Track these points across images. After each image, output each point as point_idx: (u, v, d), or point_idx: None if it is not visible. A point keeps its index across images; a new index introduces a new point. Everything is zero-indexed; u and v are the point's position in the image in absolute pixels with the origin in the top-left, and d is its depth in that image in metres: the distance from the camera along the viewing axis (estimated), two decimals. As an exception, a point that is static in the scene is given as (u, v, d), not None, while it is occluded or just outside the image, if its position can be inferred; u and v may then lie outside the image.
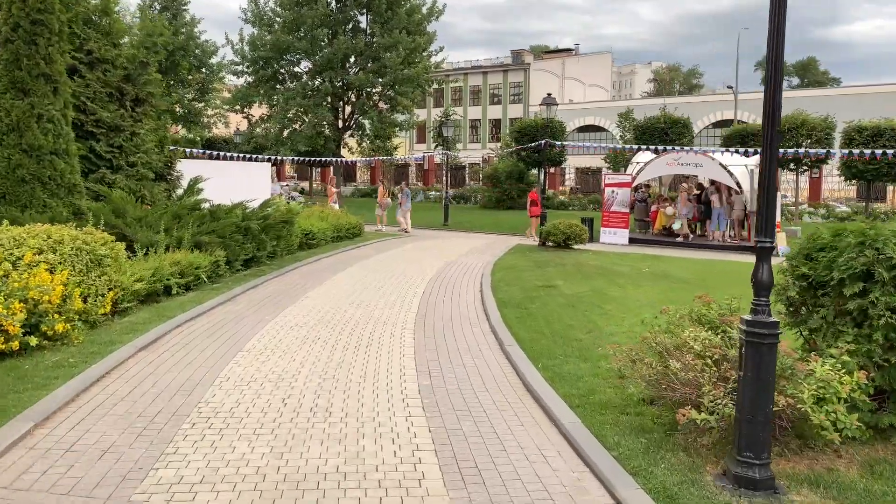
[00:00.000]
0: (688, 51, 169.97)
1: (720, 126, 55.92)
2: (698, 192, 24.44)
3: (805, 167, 30.97)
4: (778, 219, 20.93)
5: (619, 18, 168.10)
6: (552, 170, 41.03)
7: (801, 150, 24.08)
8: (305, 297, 11.24)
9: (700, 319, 5.87)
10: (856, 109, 36.67)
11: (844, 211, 34.49)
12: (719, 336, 5.26)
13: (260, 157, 30.79)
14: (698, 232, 23.45)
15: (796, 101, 42.46)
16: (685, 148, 24.72)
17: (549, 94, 19.58)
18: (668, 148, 24.73)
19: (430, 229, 27.01)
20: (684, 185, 24.98)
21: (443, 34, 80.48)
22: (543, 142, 19.41)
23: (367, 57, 36.42)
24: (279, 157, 35.88)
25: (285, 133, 37.87)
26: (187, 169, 16.27)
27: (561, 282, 12.93)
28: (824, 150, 23.52)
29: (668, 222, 23.71)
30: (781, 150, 25.36)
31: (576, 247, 19.45)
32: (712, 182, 24.19)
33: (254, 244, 13.90)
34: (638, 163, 23.61)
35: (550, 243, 19.55)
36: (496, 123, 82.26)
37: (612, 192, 22.90)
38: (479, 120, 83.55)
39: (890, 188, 36.74)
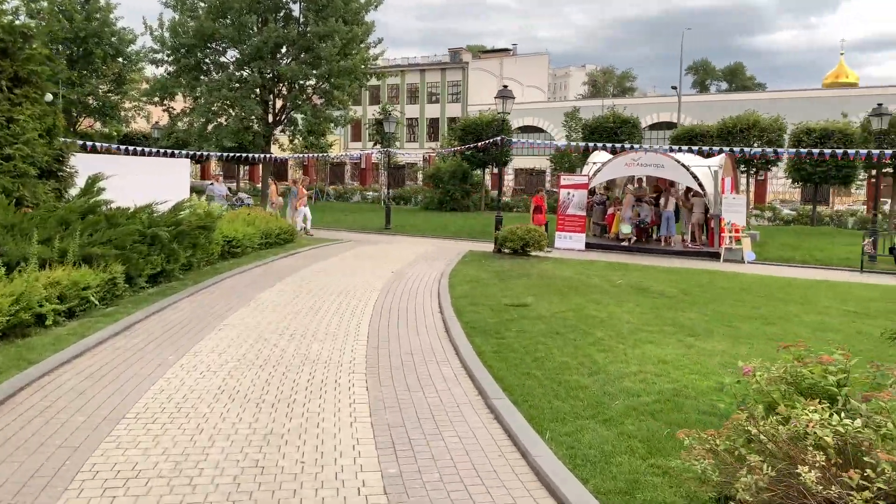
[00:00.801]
0: (617, 55, 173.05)
1: (657, 128, 55.76)
2: (654, 195, 23.17)
3: (755, 168, 30.33)
4: (742, 223, 19.77)
5: (552, 22, 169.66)
6: (495, 170, 39.42)
7: (781, 151, 23.04)
8: (224, 323, 8.99)
9: (798, 384, 4.04)
10: (792, 113, 36.47)
11: (790, 213, 34.18)
12: (858, 420, 3.43)
13: (180, 153, 27.94)
14: (655, 236, 22.16)
15: (739, 103, 42.32)
16: (644, 147, 23.35)
17: (505, 86, 17.76)
18: (632, 146, 23.35)
19: (371, 233, 24.86)
20: (629, 186, 23.41)
21: (378, 31, 78.37)
22: (500, 138, 17.59)
23: (301, 47, 33.80)
24: (204, 154, 32.92)
25: (210, 127, 34.87)
26: (87, 165, 13.64)
27: (532, 299, 11.07)
28: (799, 150, 22.58)
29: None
30: (745, 149, 24.37)
31: (534, 254, 17.70)
32: (657, 184, 22.93)
33: (162, 255, 11.49)
34: (595, 163, 22.10)
35: (507, 250, 17.74)
36: (434, 123, 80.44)
37: (568, 193, 21.32)
38: (417, 119, 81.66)
39: (832, 191, 36.73)
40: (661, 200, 21.49)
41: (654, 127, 55.13)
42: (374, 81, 75.87)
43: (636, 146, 23.46)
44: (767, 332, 9.18)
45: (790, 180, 31.38)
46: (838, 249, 20.74)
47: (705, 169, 20.31)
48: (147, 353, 7.41)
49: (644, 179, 25.55)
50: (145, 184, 15.31)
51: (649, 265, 16.83)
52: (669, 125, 59.33)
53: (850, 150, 19.97)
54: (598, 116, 31.58)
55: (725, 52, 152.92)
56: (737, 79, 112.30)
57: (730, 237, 19.32)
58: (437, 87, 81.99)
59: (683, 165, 19.96)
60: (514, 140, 23.46)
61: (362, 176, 45.83)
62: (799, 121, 30.44)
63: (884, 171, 27.68)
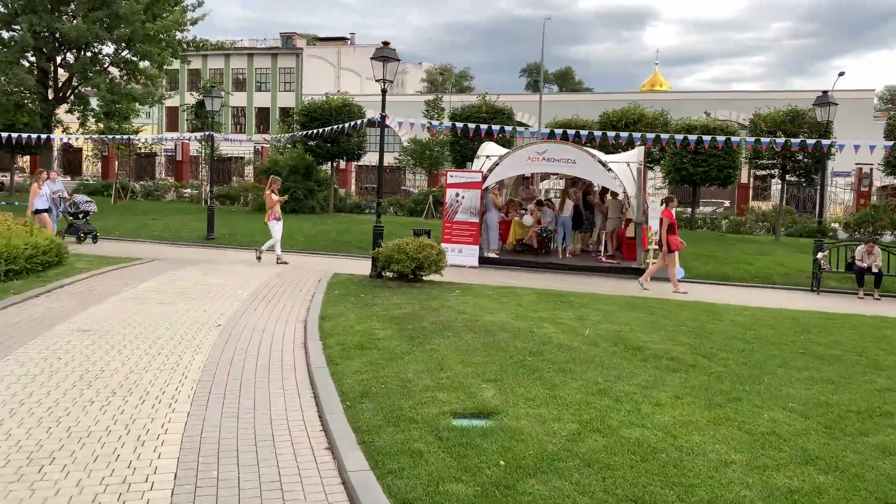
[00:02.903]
0: (452, 58, 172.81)
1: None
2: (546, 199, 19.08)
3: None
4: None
5: (389, 22, 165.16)
6: (343, 165, 33.81)
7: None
8: None
9: None
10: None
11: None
12: None
13: None
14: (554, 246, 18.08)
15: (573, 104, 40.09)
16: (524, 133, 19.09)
17: (385, 44, 12.42)
18: (528, 128, 18.99)
19: (188, 245, 18.46)
20: (495, 189, 18.34)
21: (206, 32, 69.15)
22: (381, 115, 12.26)
23: (92, 1, 26.08)
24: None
25: (-41, 101, 26.07)
26: None
27: (494, 392, 5.98)
28: (741, 139, 19.36)
29: (524, 235, 17.91)
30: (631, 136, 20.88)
31: (427, 278, 12.62)
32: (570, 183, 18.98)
33: None
34: (488, 157, 17.40)
35: (391, 273, 12.51)
36: (264, 112, 72.86)
37: (457, 195, 16.50)
38: (244, 108, 73.58)
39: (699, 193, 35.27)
40: (568, 203, 17.30)
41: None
42: (193, 62, 66.62)
43: (530, 129, 19.20)
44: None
45: (666, 181, 28.97)
46: (763, 260, 17.79)
47: (623, 166, 16.39)
48: None
49: (532, 178, 21.54)
50: None
51: (583, 292, 12.40)
52: (521, 125, 56.92)
53: (808, 140, 16.83)
54: (470, 105, 27.18)
55: (551, 60, 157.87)
56: (567, 83, 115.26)
57: (655, 250, 15.53)
58: (268, 74, 74.58)
59: (600, 161, 15.90)
60: (400, 121, 18.14)
61: (179, 170, 38.13)
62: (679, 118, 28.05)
63: (769, 171, 25.83)
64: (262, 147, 37.77)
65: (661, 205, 14.21)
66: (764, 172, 25.98)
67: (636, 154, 16.96)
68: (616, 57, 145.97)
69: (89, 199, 18.53)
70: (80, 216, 17.62)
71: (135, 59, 27.88)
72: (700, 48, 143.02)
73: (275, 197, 15.02)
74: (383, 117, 12.75)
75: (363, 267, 14.18)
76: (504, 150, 18.06)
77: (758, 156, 25.66)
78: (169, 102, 54.21)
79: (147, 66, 28.74)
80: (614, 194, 17.34)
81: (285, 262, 14.59)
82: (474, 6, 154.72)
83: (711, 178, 27.45)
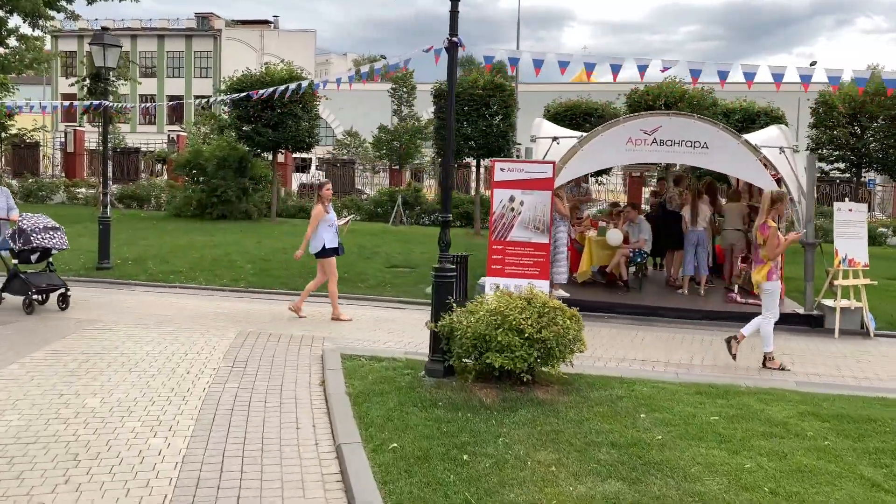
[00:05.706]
0: (374, 51, 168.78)
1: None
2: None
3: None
4: (864, 259, 10.23)
5: (303, 15, 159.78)
6: (281, 157, 26.64)
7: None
8: None
9: None
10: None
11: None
12: None
13: None
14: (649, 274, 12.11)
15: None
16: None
17: None
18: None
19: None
20: (559, 194, 11.63)
21: (107, 10, 59.56)
22: (448, 38, 5.85)
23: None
24: None
25: None
26: None
27: None
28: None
29: (608, 261, 11.67)
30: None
31: (544, 367, 6.22)
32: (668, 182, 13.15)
33: None
34: (555, 139, 10.96)
35: (471, 363, 6.01)
36: (177, 101, 63.96)
37: (511, 199, 10.00)
38: (155, 96, 64.52)
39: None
40: (685, 213, 11.23)
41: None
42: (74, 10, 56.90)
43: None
44: None
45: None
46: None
47: (775, 152, 10.46)
48: None
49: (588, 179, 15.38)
50: None
51: (835, 392, 6.37)
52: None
53: None
54: (460, 78, 20.89)
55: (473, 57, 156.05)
56: (500, 74, 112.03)
57: (843, 288, 9.73)
58: (181, 58, 65.82)
59: (751, 145, 9.96)
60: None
61: (70, 165, 30.13)
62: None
63: (835, 166, 20.83)
64: (179, 136, 30.19)
65: None
66: (830, 167, 20.94)
67: (782, 135, 11.09)
68: (536, 56, 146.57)
69: (53, 223, 9.40)
70: (34, 256, 9.05)
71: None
72: (614, 49, 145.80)
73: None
74: (455, 43, 6.30)
75: (371, 326, 7.69)
76: (566, 132, 11.88)
77: (821, 146, 20.60)
78: (69, 90, 44.98)
79: (20, 26, 21.20)
80: (734, 196, 11.55)
81: None
82: (389, 2, 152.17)
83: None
